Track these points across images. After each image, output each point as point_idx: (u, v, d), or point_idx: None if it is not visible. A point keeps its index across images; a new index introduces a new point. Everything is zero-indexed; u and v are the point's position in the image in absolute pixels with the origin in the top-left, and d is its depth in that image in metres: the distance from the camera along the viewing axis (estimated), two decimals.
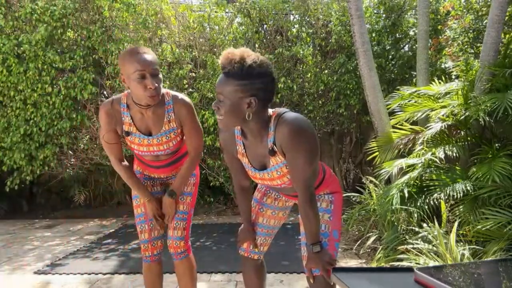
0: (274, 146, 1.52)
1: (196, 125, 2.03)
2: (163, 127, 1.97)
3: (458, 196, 3.07)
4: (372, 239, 3.62)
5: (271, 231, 1.93)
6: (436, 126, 3.62)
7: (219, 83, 1.45)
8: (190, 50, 5.70)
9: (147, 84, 1.78)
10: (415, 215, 3.27)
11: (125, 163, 2.08)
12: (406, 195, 3.35)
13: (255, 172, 1.64)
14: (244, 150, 1.64)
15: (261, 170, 1.63)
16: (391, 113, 4.27)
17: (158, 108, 1.94)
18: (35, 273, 3.42)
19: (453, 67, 4.71)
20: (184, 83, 5.52)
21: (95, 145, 5.64)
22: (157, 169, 2.14)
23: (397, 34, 6.12)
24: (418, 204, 3.35)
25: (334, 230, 1.66)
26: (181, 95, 2.01)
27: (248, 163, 1.65)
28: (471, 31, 4.42)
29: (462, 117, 3.46)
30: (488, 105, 3.20)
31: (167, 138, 1.99)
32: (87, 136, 5.71)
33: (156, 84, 1.81)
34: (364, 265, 3.39)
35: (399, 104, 4.05)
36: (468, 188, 3.08)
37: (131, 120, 1.97)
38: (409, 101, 3.98)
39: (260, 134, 1.54)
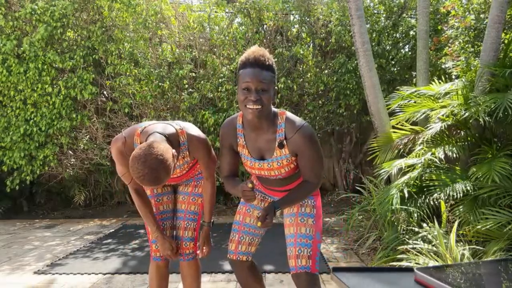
0: (284, 141, 1.69)
1: (212, 159, 2.02)
2: (177, 163, 1.95)
3: (458, 196, 3.06)
4: (372, 239, 3.62)
5: (259, 231, 1.98)
6: (436, 126, 3.61)
7: (260, 75, 1.59)
8: (190, 50, 5.70)
9: None
10: (415, 215, 3.27)
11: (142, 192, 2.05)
12: (406, 195, 3.34)
13: (254, 162, 1.78)
14: (244, 142, 1.79)
15: (260, 160, 1.77)
16: (391, 113, 4.27)
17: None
18: (35, 273, 3.42)
19: (453, 67, 4.70)
20: (184, 83, 5.52)
21: (95, 145, 5.64)
22: (169, 180, 2.12)
23: (398, 34, 6.12)
24: (418, 204, 3.35)
25: (317, 233, 1.83)
26: (195, 133, 1.95)
27: (248, 154, 1.80)
28: (471, 30, 4.41)
29: (462, 117, 3.46)
30: (488, 105, 3.20)
31: (181, 168, 2.03)
32: (87, 136, 5.71)
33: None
34: (364, 265, 3.39)
35: (399, 104, 4.05)
36: (468, 188, 3.08)
37: None
38: (409, 101, 3.98)
39: (266, 126, 1.71)
